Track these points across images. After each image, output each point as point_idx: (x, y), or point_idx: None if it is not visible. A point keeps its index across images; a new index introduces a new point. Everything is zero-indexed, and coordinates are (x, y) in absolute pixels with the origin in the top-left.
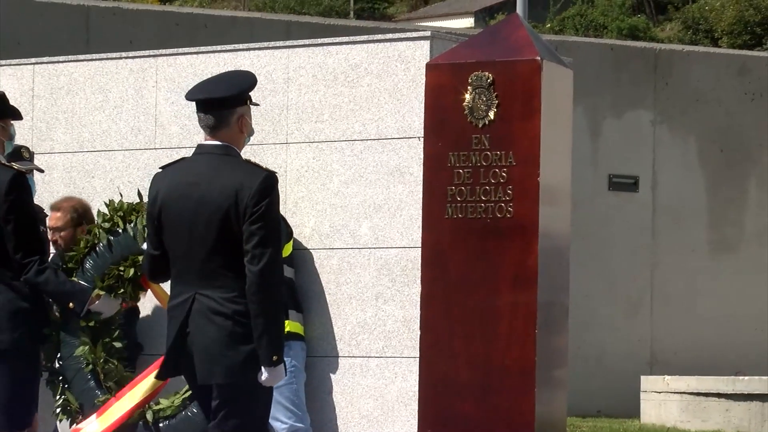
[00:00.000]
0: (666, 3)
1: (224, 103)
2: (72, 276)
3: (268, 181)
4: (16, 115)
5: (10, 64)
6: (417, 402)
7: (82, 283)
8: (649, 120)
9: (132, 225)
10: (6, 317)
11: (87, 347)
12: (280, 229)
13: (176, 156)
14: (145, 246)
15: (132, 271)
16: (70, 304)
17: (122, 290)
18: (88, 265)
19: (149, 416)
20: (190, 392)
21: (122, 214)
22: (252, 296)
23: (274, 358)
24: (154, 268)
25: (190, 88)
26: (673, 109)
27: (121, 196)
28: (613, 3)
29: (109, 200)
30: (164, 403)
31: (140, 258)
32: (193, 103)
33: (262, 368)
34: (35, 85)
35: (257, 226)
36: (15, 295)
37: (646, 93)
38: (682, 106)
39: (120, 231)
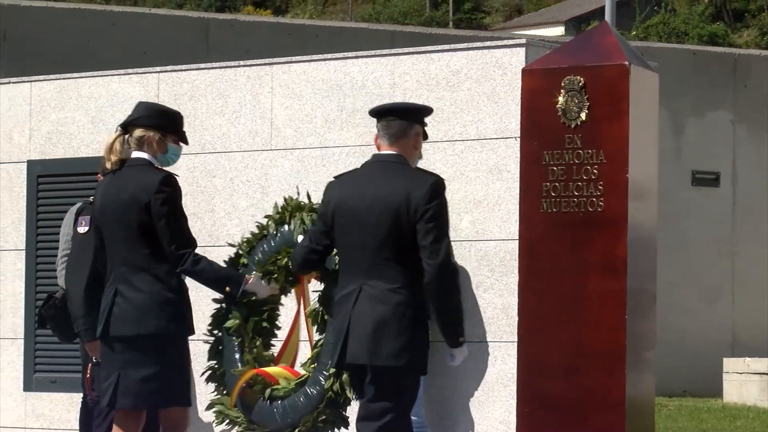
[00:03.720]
0: (743, 11)
1: (409, 113)
2: (241, 260)
3: (438, 185)
4: (183, 139)
5: (137, 72)
6: (515, 383)
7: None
8: (728, 120)
9: (296, 221)
10: (156, 306)
11: (238, 321)
12: (448, 228)
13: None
14: (299, 239)
15: (286, 260)
16: (227, 288)
17: (275, 276)
18: (259, 250)
19: (267, 393)
20: (306, 378)
21: (290, 210)
22: (435, 285)
23: (461, 339)
24: (308, 260)
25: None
26: (751, 110)
27: (298, 194)
28: (694, 12)
29: (288, 196)
30: (282, 383)
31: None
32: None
33: (451, 351)
34: (160, 91)
35: (432, 225)
36: (163, 286)
37: (726, 94)
38: (760, 106)
39: (285, 225)
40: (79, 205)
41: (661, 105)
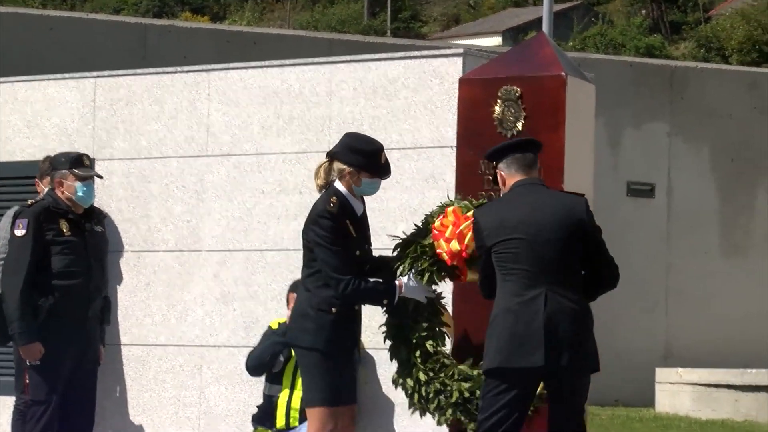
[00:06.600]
0: (680, 23)
1: (540, 148)
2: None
3: (587, 202)
4: (379, 174)
5: (74, 77)
6: None
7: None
8: (665, 132)
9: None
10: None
11: None
12: None
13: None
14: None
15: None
16: (385, 301)
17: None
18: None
19: None
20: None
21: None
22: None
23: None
24: (492, 288)
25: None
26: (687, 122)
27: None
28: (632, 23)
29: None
30: None
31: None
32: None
33: None
34: (96, 96)
35: (600, 237)
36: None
37: (663, 106)
38: (696, 118)
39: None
40: (16, 208)
41: (597, 116)
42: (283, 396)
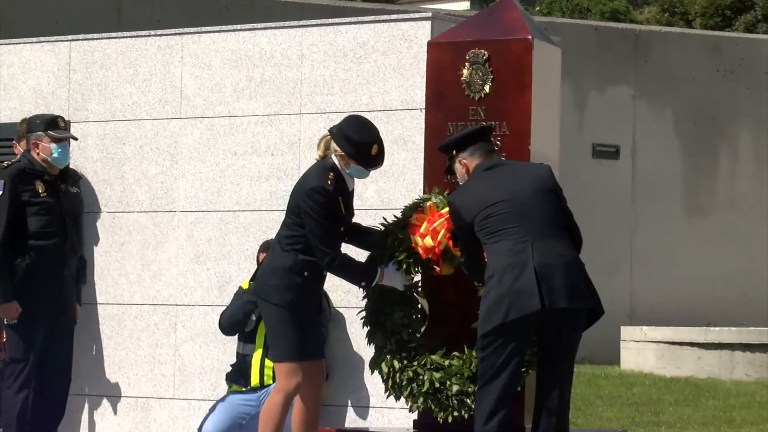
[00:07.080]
0: None
1: (492, 131)
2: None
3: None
4: (366, 165)
5: (49, 41)
6: None
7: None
8: (629, 95)
9: None
10: (270, 273)
11: None
12: None
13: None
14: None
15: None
16: (363, 283)
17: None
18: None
19: None
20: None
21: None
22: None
23: None
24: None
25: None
26: (651, 85)
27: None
28: None
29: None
30: None
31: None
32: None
33: None
34: (71, 59)
35: (566, 203)
36: (283, 260)
37: (627, 70)
38: (660, 82)
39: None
40: None
41: (563, 79)
42: (256, 355)
